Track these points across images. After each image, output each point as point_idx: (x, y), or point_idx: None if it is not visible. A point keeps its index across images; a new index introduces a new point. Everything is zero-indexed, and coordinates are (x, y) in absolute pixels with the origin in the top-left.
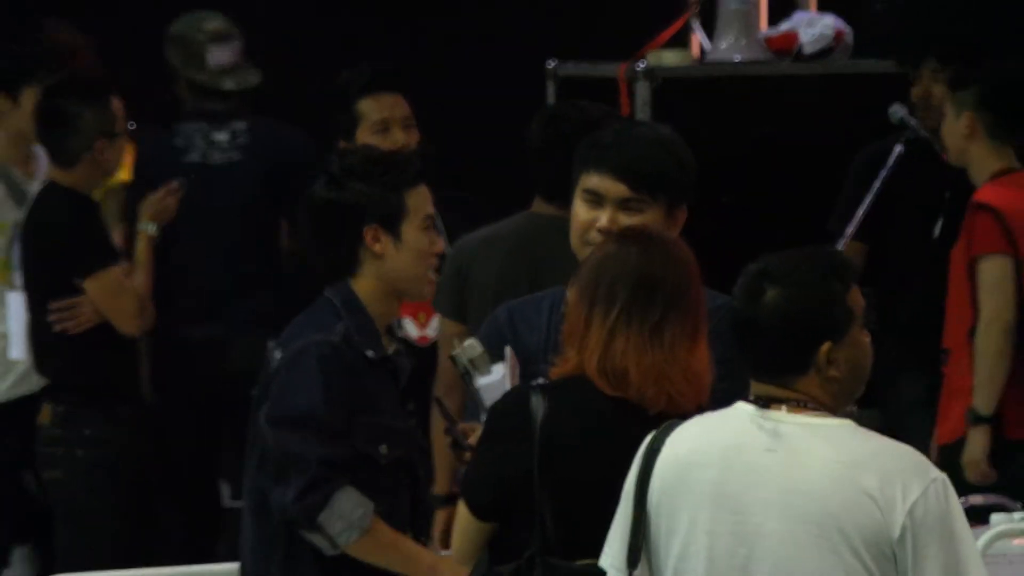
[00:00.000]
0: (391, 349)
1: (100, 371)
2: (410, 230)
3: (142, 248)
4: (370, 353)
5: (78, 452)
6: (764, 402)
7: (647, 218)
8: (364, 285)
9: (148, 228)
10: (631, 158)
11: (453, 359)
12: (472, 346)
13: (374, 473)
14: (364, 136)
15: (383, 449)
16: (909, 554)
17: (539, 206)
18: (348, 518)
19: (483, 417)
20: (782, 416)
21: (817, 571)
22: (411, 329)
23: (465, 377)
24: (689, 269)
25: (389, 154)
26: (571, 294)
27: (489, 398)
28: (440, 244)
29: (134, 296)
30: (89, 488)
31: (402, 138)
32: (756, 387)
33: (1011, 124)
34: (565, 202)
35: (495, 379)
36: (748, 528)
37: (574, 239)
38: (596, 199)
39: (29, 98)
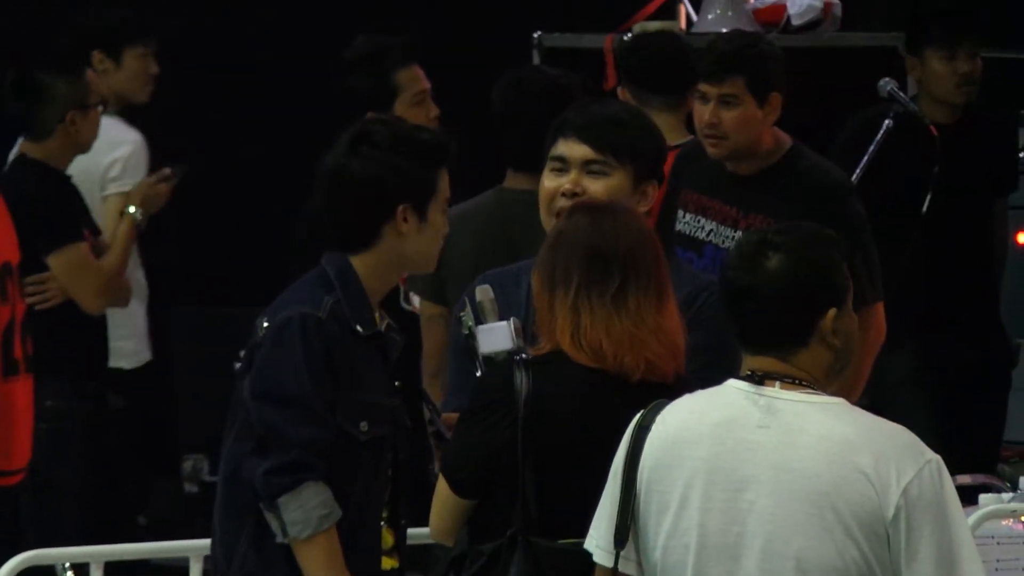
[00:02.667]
0: (383, 325)
1: (68, 344)
2: (435, 211)
3: (124, 230)
4: (359, 328)
5: (40, 425)
6: (758, 378)
7: (612, 183)
8: (369, 259)
9: (136, 214)
10: (594, 120)
11: (460, 319)
12: (484, 290)
13: (353, 450)
14: (403, 108)
15: (363, 426)
16: (902, 535)
17: (510, 179)
18: (308, 512)
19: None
20: (776, 392)
21: (809, 549)
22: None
23: (468, 339)
24: (643, 236)
25: (421, 130)
26: (535, 282)
27: (487, 343)
28: (447, 225)
29: (99, 275)
30: (50, 462)
31: (434, 110)
32: (750, 361)
33: (649, 91)
34: (536, 171)
35: (498, 327)
36: (741, 505)
37: (542, 211)
38: (562, 165)
39: (131, 60)
